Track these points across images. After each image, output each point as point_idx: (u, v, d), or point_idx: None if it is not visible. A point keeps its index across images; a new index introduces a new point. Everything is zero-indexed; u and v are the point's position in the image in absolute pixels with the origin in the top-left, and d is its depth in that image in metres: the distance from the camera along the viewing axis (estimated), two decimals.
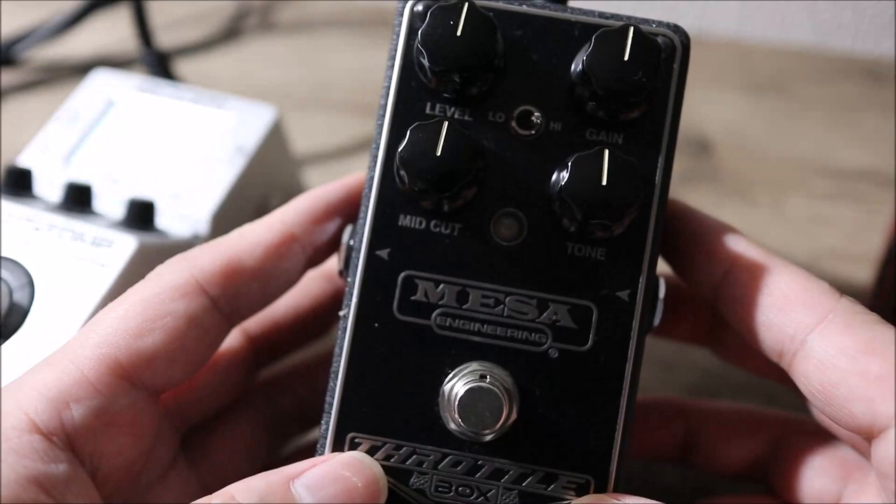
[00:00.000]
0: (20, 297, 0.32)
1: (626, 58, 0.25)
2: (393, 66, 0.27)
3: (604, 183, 0.24)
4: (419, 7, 0.26)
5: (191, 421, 0.29)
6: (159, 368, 0.25)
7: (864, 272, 0.43)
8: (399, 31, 0.27)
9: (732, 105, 0.51)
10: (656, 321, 0.26)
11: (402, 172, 0.25)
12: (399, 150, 0.25)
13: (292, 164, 0.45)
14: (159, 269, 0.26)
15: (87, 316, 0.31)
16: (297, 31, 0.56)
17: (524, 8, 0.27)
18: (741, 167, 0.48)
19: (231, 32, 0.57)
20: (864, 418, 0.23)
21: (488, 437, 0.25)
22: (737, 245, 0.27)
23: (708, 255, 0.27)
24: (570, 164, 0.25)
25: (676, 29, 0.27)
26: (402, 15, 0.27)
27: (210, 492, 0.23)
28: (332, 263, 0.28)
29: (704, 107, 0.51)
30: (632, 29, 0.25)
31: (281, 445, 0.31)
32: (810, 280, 0.26)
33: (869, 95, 0.51)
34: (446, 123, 0.25)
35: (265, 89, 0.52)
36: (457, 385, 0.24)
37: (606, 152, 0.25)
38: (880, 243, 0.43)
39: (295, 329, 0.31)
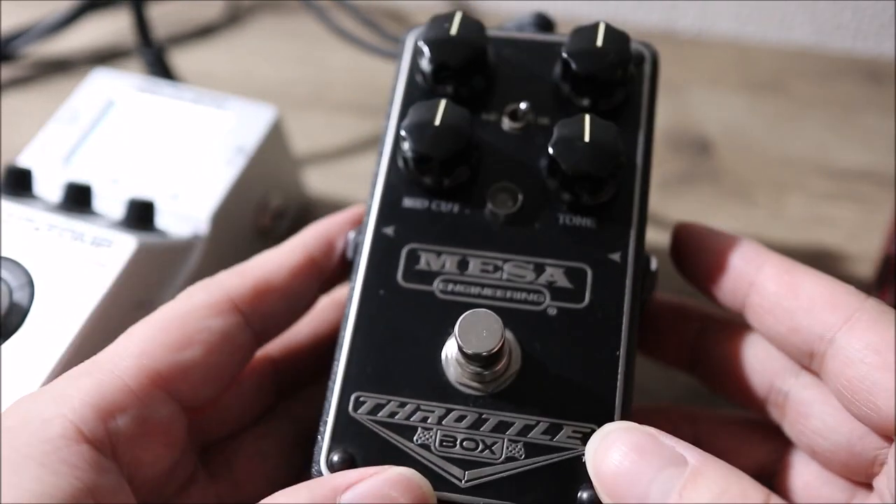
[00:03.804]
0: (20, 297, 0.32)
1: (599, 44, 0.29)
2: (397, 81, 0.31)
3: (587, 139, 0.27)
4: (421, 42, 0.30)
5: (209, 436, 0.29)
6: (195, 383, 0.26)
7: (864, 272, 0.43)
8: (402, 57, 0.31)
9: (732, 105, 0.51)
10: (652, 292, 0.28)
11: (406, 144, 0.28)
12: (403, 124, 0.28)
13: (292, 164, 0.45)
14: (190, 289, 0.27)
15: (87, 316, 0.31)
16: (297, 30, 0.56)
17: (512, 34, 0.31)
18: (741, 167, 0.48)
19: (229, 24, 0.57)
20: (887, 410, 0.23)
21: (489, 372, 0.25)
22: (758, 257, 0.28)
23: (731, 271, 0.28)
24: (555, 129, 0.28)
25: (647, 45, 0.31)
26: (403, 43, 0.31)
27: None
28: (345, 292, 0.29)
29: (704, 107, 0.51)
30: (602, 23, 0.29)
31: (302, 464, 0.31)
32: (835, 283, 0.26)
33: (869, 95, 0.51)
34: (444, 100, 0.28)
35: (265, 89, 0.52)
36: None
37: (587, 116, 0.28)
38: (880, 243, 0.43)
39: (315, 354, 0.32)
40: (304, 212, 0.46)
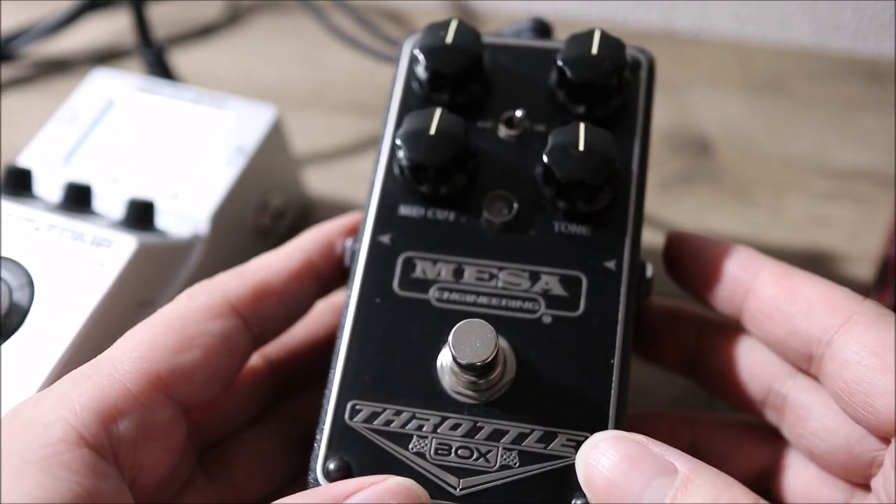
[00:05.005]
0: (20, 297, 0.32)
1: (594, 52, 0.28)
2: (394, 88, 0.31)
3: (581, 148, 0.27)
4: (416, 50, 0.30)
5: (207, 437, 0.29)
6: (195, 385, 0.26)
7: (863, 273, 0.43)
8: (399, 64, 0.31)
9: (732, 105, 0.51)
10: (648, 299, 0.28)
11: (401, 153, 0.28)
12: (398, 133, 0.28)
13: (292, 164, 0.45)
14: (190, 290, 0.27)
15: (87, 316, 0.31)
16: (297, 30, 0.56)
17: (508, 41, 0.31)
18: (741, 167, 0.48)
19: (229, 24, 0.57)
20: (884, 412, 0.24)
21: (484, 380, 0.25)
22: (754, 262, 0.28)
23: (727, 278, 0.28)
24: (549, 137, 0.28)
25: (643, 51, 0.31)
26: (400, 50, 0.31)
27: None
28: (342, 296, 0.29)
29: (704, 107, 0.51)
30: (598, 30, 0.29)
31: (299, 464, 0.31)
32: (832, 286, 0.26)
33: (869, 95, 0.51)
34: (439, 108, 0.28)
35: (265, 89, 0.52)
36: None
37: (582, 124, 0.27)
38: (880, 243, 0.43)
39: (312, 356, 0.32)
40: (304, 212, 0.46)
